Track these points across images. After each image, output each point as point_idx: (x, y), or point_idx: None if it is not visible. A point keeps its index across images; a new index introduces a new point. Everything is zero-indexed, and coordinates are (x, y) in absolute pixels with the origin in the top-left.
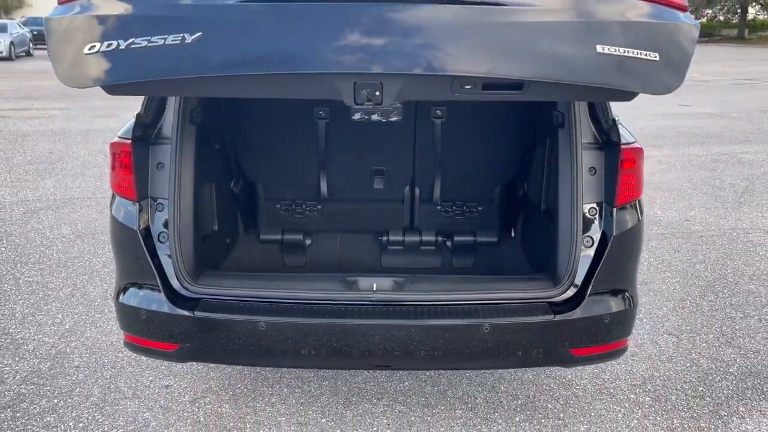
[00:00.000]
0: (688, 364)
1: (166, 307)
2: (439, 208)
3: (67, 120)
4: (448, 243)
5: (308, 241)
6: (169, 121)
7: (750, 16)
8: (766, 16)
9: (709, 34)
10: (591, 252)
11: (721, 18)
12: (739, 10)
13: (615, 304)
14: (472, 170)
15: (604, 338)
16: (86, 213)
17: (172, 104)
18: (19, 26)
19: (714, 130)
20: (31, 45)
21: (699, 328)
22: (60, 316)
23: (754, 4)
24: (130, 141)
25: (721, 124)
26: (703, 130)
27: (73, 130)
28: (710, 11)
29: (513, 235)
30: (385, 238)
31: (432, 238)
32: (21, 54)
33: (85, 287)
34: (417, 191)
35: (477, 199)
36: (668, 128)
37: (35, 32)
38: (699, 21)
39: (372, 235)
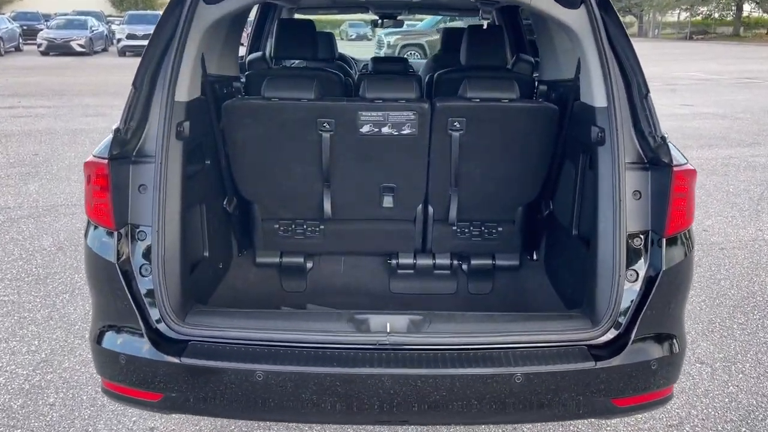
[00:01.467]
0: (727, 400)
1: (149, 352)
2: (454, 228)
3: (54, 119)
4: (464, 267)
5: (309, 264)
6: (152, 136)
7: (745, 13)
8: (761, 14)
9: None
10: (636, 288)
11: (717, 15)
12: (734, 8)
13: (663, 348)
14: (492, 188)
15: (649, 386)
16: (69, 222)
17: (155, 116)
18: (9, 21)
19: (720, 131)
20: (20, 40)
21: (733, 356)
22: (36, 342)
23: (749, 1)
24: (106, 160)
25: (726, 125)
26: (709, 131)
27: (60, 130)
28: (705, 9)
29: (536, 257)
30: (394, 261)
31: (446, 262)
32: (10, 49)
33: (65, 308)
34: (430, 210)
35: (497, 220)
36: (673, 130)
37: (25, 27)
38: (694, 18)
39: (380, 258)
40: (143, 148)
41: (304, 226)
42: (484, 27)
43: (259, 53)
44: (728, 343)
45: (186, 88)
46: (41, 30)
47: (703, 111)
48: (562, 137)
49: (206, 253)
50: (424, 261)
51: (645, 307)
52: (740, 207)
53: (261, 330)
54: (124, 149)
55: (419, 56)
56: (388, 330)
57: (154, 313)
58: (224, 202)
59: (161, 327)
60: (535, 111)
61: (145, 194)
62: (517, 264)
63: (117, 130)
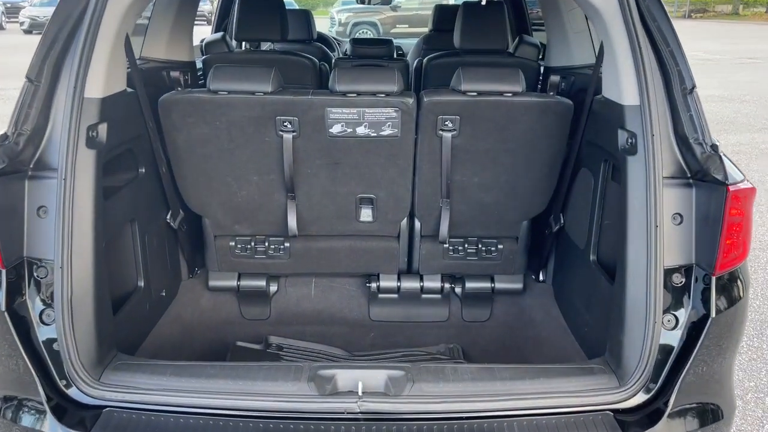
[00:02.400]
0: None
1: (49, 425)
2: (446, 246)
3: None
4: (458, 290)
5: (273, 288)
6: (55, 144)
7: None
8: None
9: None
10: (675, 337)
11: None
12: None
13: (709, 417)
14: (491, 199)
15: None
16: None
17: (59, 116)
18: None
19: (727, 115)
20: (4, 18)
21: (766, 384)
22: None
23: None
24: None
25: (734, 108)
26: (716, 115)
27: None
28: None
29: (542, 278)
30: (374, 284)
31: (436, 285)
32: None
33: None
34: (417, 225)
35: (496, 236)
36: None
37: (8, 5)
38: None
39: (358, 280)
40: (43, 160)
41: (266, 244)
42: (483, 3)
43: (219, 34)
44: (758, 368)
45: (101, 81)
46: (23, 8)
47: (707, 93)
48: (577, 140)
49: (141, 283)
50: (410, 284)
51: (688, 364)
52: (757, 202)
53: (197, 393)
54: (16, 161)
55: (372, 35)
56: (360, 392)
57: (58, 371)
58: (167, 217)
59: (69, 391)
60: (545, 107)
61: (46, 219)
62: (521, 287)
63: (4, 137)
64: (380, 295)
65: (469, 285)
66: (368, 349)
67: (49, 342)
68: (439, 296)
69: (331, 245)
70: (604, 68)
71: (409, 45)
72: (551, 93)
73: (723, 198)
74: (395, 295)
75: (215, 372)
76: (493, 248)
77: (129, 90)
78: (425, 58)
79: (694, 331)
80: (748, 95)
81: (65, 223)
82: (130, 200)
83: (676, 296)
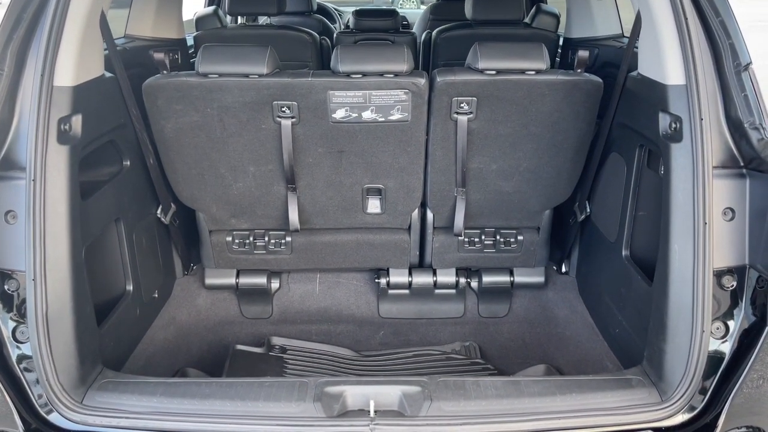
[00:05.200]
0: None
1: None
2: (461, 238)
3: None
4: (474, 285)
5: (275, 285)
6: (22, 140)
7: None
8: None
9: None
10: (725, 348)
11: None
12: None
13: None
14: (510, 187)
15: None
16: None
17: (26, 108)
18: None
19: None
20: None
21: None
22: None
23: None
24: None
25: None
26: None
27: None
28: None
29: (565, 270)
30: (384, 280)
31: (451, 279)
32: None
33: None
34: (429, 216)
35: (516, 227)
36: None
37: None
38: None
39: (366, 275)
40: (10, 158)
41: (266, 239)
42: None
43: (211, 8)
44: None
45: (73, 66)
46: None
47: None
48: (607, 122)
49: (129, 287)
50: (423, 279)
51: (740, 379)
52: None
53: (191, 417)
54: None
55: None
56: (372, 411)
57: (36, 393)
58: (158, 212)
59: (51, 416)
60: (572, 86)
61: (15, 225)
62: (542, 281)
63: None
64: (390, 291)
65: (487, 279)
66: (378, 348)
67: (25, 362)
68: (453, 291)
69: (337, 239)
70: (641, 41)
71: (414, 15)
72: (578, 69)
73: None
74: (406, 291)
75: (210, 391)
76: (512, 239)
77: (108, 75)
78: (434, 31)
79: (746, 341)
80: (762, 60)
81: (37, 229)
82: (114, 197)
83: (726, 301)
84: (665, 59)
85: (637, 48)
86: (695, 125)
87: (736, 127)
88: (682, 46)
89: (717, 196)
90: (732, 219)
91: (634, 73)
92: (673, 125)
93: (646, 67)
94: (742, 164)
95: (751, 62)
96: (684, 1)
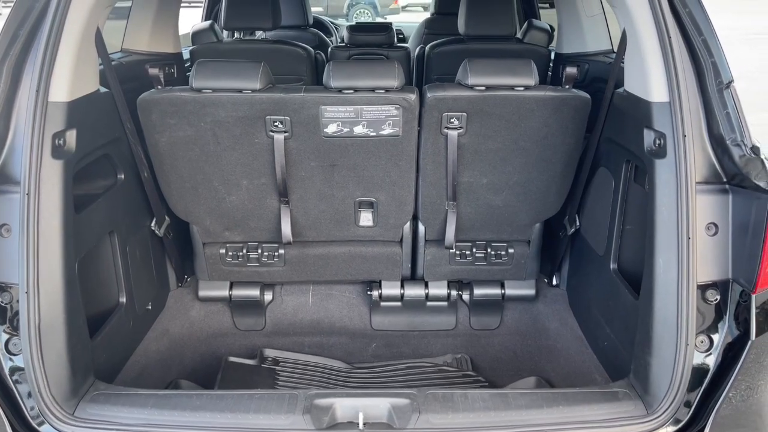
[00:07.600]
0: None
1: None
2: (452, 251)
3: None
4: (465, 297)
5: (268, 297)
6: (17, 154)
7: None
8: None
9: None
10: (709, 361)
11: None
12: None
13: None
14: (501, 201)
15: None
16: None
17: (21, 124)
18: None
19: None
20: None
21: None
22: None
23: None
24: None
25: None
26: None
27: None
28: None
29: (555, 282)
30: (376, 292)
31: (442, 292)
32: None
33: None
34: (421, 229)
35: (507, 240)
36: None
37: None
38: None
39: (358, 287)
40: (4, 172)
41: (259, 251)
42: None
43: (207, 23)
44: None
45: (68, 82)
46: None
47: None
48: (595, 137)
49: (123, 299)
50: (415, 291)
51: (724, 392)
52: None
53: (182, 428)
54: None
55: (369, 15)
56: (360, 423)
57: (29, 405)
58: (152, 224)
59: (43, 428)
60: (560, 102)
61: (9, 238)
62: (533, 294)
63: None
64: (382, 303)
65: (478, 291)
66: (370, 360)
67: (18, 374)
68: (445, 304)
69: (329, 251)
70: (627, 59)
71: (410, 28)
72: (566, 86)
73: (766, 207)
74: (398, 303)
75: (201, 403)
76: (503, 252)
77: (103, 90)
78: (428, 46)
79: (730, 354)
80: (756, 73)
81: (30, 243)
82: (108, 210)
83: (710, 315)
84: (649, 77)
85: (623, 64)
86: (678, 141)
87: (718, 143)
88: (666, 64)
89: (700, 211)
90: (715, 234)
91: (620, 90)
92: (658, 141)
93: (631, 84)
94: (724, 180)
95: (732, 80)
96: (668, 20)
